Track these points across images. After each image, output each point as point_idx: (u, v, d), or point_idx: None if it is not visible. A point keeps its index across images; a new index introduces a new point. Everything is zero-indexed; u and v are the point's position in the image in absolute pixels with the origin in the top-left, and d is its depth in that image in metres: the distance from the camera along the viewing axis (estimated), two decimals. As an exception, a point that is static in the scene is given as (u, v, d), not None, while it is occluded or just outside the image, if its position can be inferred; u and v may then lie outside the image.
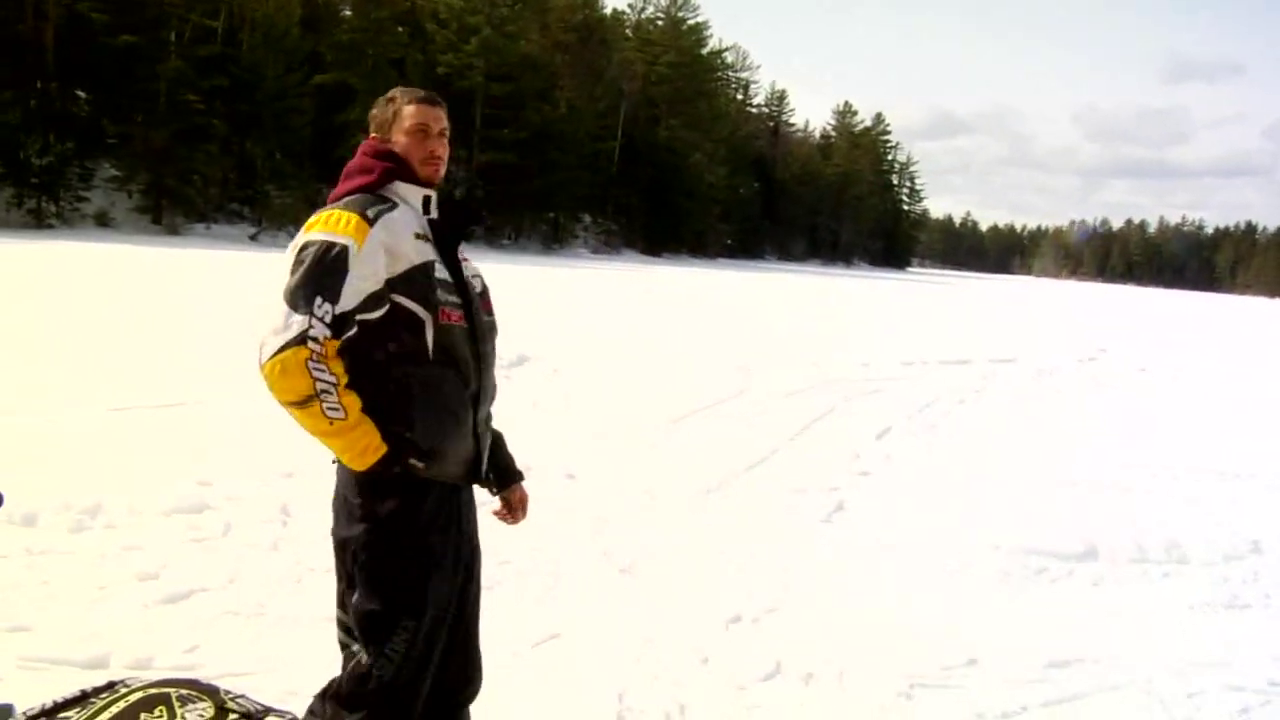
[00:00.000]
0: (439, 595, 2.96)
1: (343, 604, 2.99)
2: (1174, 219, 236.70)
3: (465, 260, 3.11)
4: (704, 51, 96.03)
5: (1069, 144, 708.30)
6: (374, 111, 3.11)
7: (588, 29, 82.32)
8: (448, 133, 3.11)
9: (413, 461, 2.84)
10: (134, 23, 49.76)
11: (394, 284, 2.82)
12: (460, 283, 2.98)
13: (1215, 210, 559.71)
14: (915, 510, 7.91)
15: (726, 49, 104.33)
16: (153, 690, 1.54)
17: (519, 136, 68.99)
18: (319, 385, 2.71)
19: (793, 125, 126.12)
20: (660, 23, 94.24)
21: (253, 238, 48.87)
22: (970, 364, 19.10)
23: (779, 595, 5.81)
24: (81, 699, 1.55)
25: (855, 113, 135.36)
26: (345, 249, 2.75)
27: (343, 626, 3.01)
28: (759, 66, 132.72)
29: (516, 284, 30.79)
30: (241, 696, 1.58)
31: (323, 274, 2.74)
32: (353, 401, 2.77)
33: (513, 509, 3.49)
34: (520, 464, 7.97)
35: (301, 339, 2.69)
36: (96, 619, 4.76)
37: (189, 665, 4.32)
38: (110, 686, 1.58)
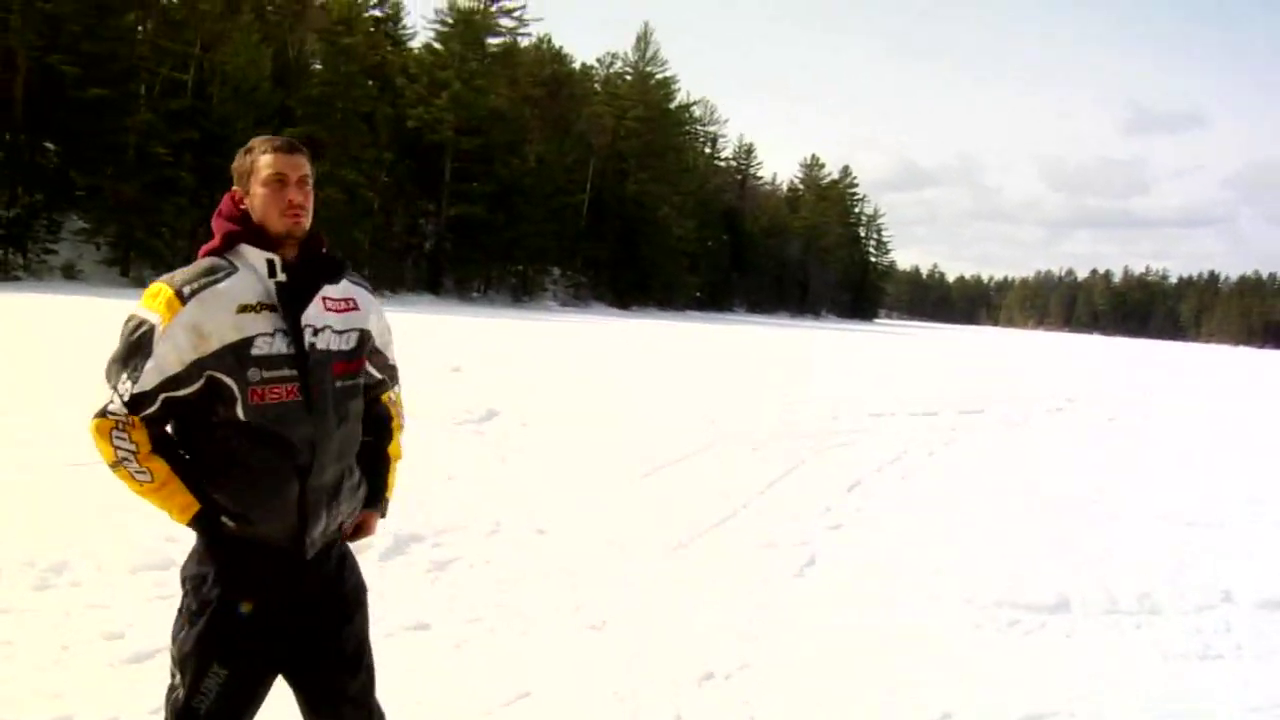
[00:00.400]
0: (254, 650, 2.97)
1: (174, 637, 3.02)
2: (1138, 269, 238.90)
3: (347, 309, 3.03)
4: (672, 105, 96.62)
5: (1034, 195, 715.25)
6: (235, 163, 2.98)
7: (556, 83, 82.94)
8: (310, 180, 2.95)
9: (224, 520, 2.89)
10: (104, 75, 49.74)
11: (203, 363, 2.78)
12: (300, 353, 2.86)
13: (1179, 260, 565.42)
14: (887, 563, 7.90)
15: (694, 103, 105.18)
16: None
17: (488, 190, 69.29)
18: (119, 453, 2.84)
19: (760, 178, 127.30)
20: (629, 77, 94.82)
21: (220, 291, 48.60)
22: (939, 415, 19.14)
23: (751, 651, 5.78)
24: None
25: (823, 165, 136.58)
26: (151, 329, 2.77)
27: (173, 659, 3.03)
28: (727, 120, 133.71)
29: (485, 337, 30.80)
30: None
31: (129, 352, 2.80)
32: (158, 466, 2.86)
33: (346, 531, 3.28)
34: (491, 518, 7.92)
35: (103, 412, 2.83)
36: (60, 679, 4.70)
37: (153, 727, 4.26)
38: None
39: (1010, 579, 7.54)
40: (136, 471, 2.86)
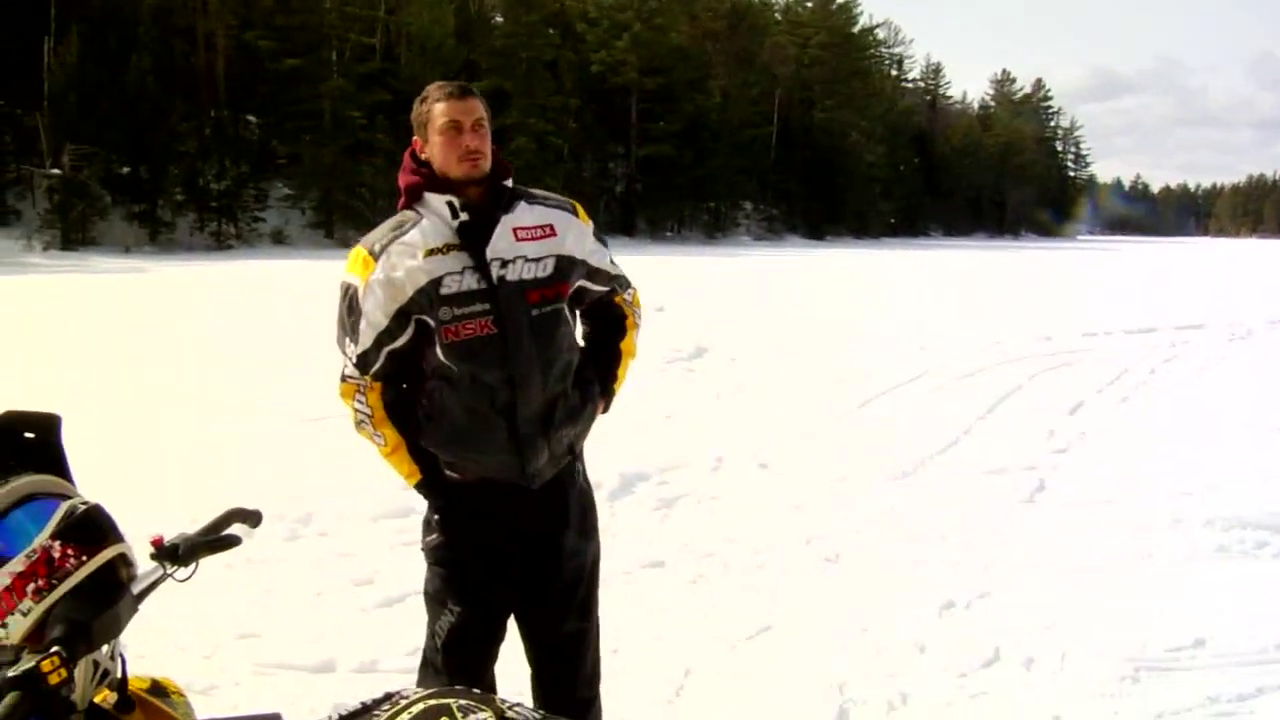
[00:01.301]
0: (484, 590, 3.11)
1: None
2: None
3: (543, 236, 2.99)
4: (855, 30, 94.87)
5: (1243, 96, 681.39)
6: (413, 113, 3.01)
7: (737, 16, 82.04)
8: (485, 122, 2.95)
9: (447, 471, 3.05)
10: (297, 46, 51.57)
11: (406, 310, 2.89)
12: (489, 286, 2.88)
13: None
14: (1119, 487, 7.65)
15: (878, 25, 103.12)
16: (432, 701, 1.55)
17: (675, 128, 69.28)
18: (359, 415, 3.05)
19: (950, 98, 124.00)
20: (809, 4, 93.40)
21: (421, 245, 49.84)
22: (1156, 332, 18.45)
23: (989, 579, 5.69)
24: (363, 712, 1.56)
25: (1014, 80, 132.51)
26: (356, 290, 2.93)
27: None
28: (912, 40, 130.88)
29: (683, 276, 30.82)
30: (519, 704, 1.58)
31: (346, 316, 2.98)
32: (389, 432, 3.04)
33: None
34: (712, 454, 7.95)
35: (343, 376, 3.04)
36: (319, 624, 4.92)
37: (411, 668, 4.38)
38: (388, 698, 1.60)
39: (1251, 499, 7.22)
40: (374, 434, 3.06)
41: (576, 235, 3.09)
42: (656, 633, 4.84)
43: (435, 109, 2.92)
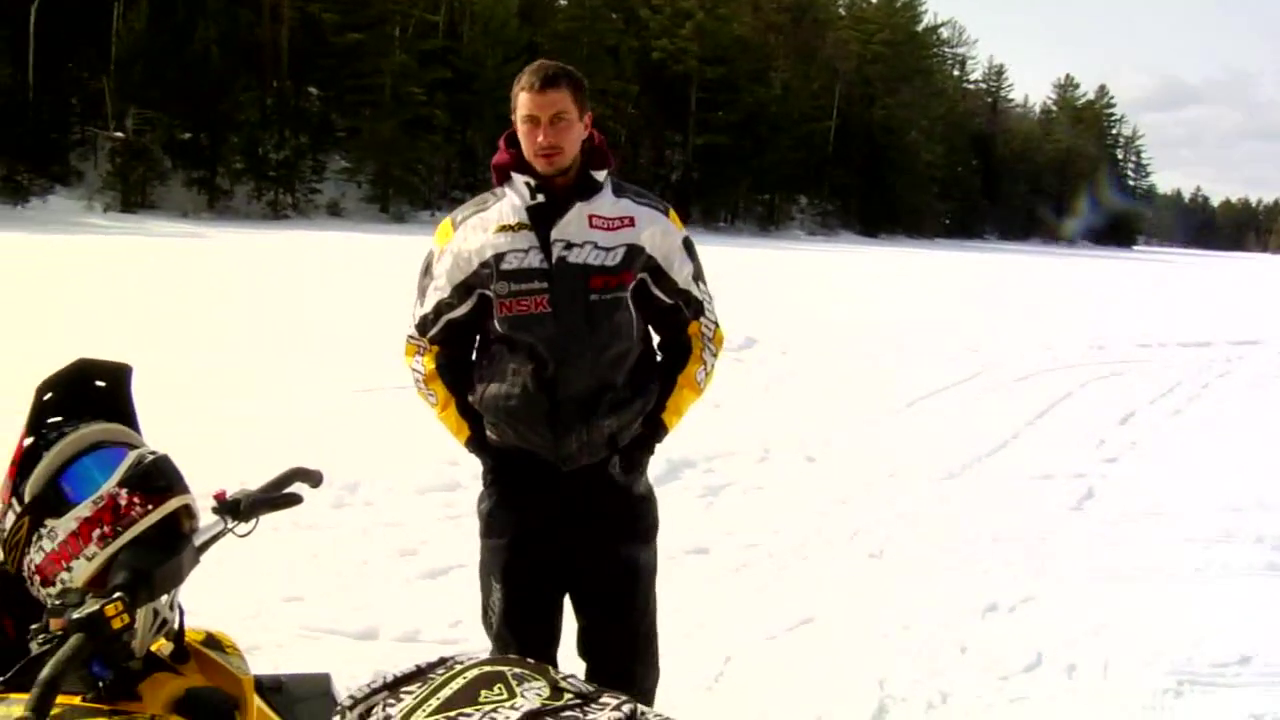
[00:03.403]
0: (526, 566, 3.06)
1: None
2: None
3: (620, 227, 2.93)
4: (919, 28, 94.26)
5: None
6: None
7: (800, 9, 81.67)
8: (568, 115, 2.83)
9: (489, 433, 3.07)
10: (360, 21, 51.95)
11: (469, 283, 2.95)
12: (548, 265, 2.86)
13: None
14: (1168, 499, 7.56)
15: (942, 24, 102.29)
16: (488, 668, 1.56)
17: (733, 119, 69.09)
18: (414, 374, 3.15)
19: (1011, 101, 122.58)
20: (874, 0, 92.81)
21: (475, 224, 49.95)
22: (1211, 346, 18.21)
23: (1034, 584, 5.64)
24: (417, 674, 1.58)
25: (1077, 86, 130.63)
26: (433, 256, 3.04)
27: None
28: (976, 41, 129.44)
29: (736, 266, 30.76)
30: (571, 677, 1.59)
31: (421, 278, 3.08)
32: (439, 388, 3.10)
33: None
34: (759, 444, 7.92)
35: (408, 337, 3.15)
36: (363, 591, 4.97)
37: (453, 639, 4.45)
38: (443, 662, 1.61)
39: (1305, 517, 7.14)
40: (427, 393, 3.13)
41: (656, 232, 3.01)
42: (698, 619, 4.83)
43: (519, 99, 2.87)
